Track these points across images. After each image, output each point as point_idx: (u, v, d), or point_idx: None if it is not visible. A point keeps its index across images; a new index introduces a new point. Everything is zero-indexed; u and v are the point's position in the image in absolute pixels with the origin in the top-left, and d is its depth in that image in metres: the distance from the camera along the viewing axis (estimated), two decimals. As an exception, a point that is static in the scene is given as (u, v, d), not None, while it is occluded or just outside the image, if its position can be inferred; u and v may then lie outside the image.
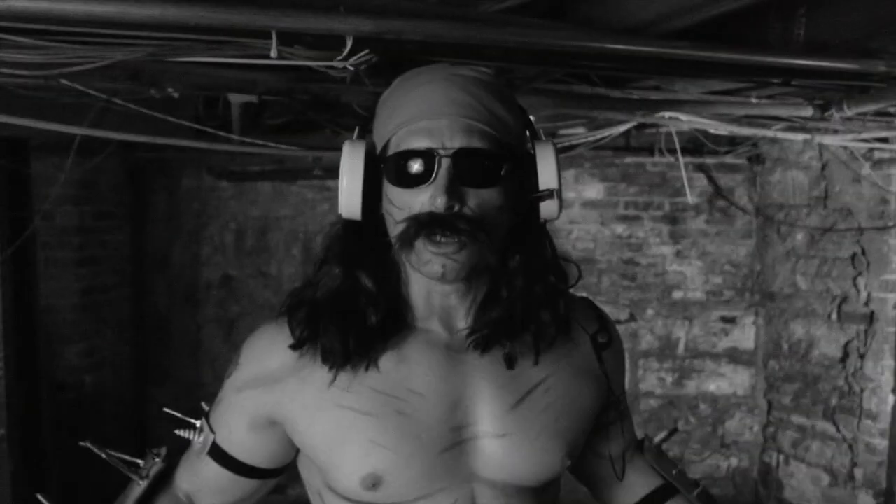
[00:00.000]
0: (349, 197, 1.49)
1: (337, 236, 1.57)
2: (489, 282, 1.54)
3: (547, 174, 1.50)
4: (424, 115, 1.42)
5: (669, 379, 6.11)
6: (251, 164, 5.95)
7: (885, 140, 4.60)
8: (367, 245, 1.52)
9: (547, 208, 1.52)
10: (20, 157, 4.80)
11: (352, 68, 2.65)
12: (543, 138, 1.55)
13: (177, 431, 1.74)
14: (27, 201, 4.86)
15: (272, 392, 1.55)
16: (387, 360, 1.51)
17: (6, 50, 2.51)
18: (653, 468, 1.85)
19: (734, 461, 6.17)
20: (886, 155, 4.83)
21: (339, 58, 2.54)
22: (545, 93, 3.63)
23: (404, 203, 1.43)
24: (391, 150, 1.45)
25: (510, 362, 1.54)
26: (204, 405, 1.74)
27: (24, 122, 3.31)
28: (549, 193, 1.50)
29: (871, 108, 3.66)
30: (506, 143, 1.46)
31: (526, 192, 1.50)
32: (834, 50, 2.92)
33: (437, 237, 1.40)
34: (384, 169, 1.46)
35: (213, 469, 1.67)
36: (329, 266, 1.55)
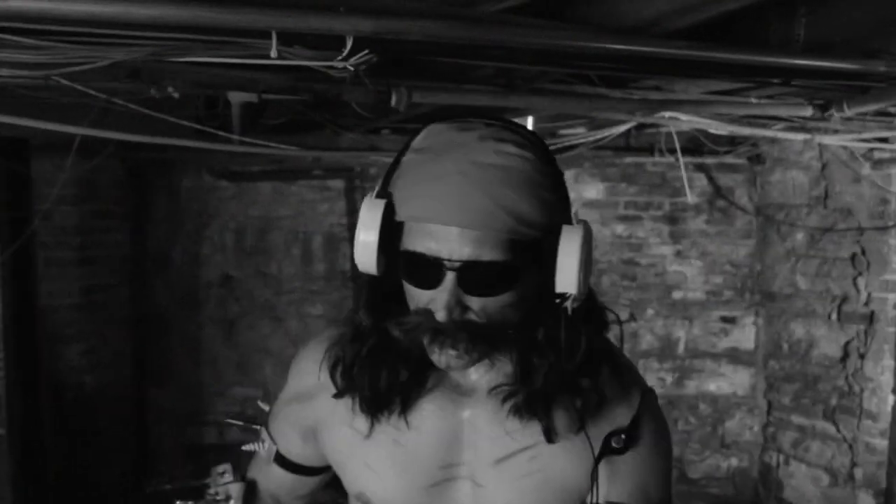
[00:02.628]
0: (365, 254, 1.42)
1: (363, 289, 1.55)
2: (517, 347, 1.48)
3: (566, 269, 1.38)
4: (437, 218, 1.35)
5: (669, 379, 6.11)
6: (251, 163, 5.95)
7: (885, 140, 4.60)
8: (389, 299, 1.50)
9: (566, 299, 1.43)
10: (20, 157, 4.80)
11: (352, 68, 2.65)
12: (574, 223, 1.41)
13: (244, 447, 1.87)
14: (27, 201, 4.87)
15: (310, 407, 1.70)
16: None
17: (6, 50, 2.51)
18: None
19: (734, 461, 6.17)
20: (886, 155, 4.83)
21: (340, 58, 2.54)
22: (545, 93, 3.63)
23: (414, 293, 1.42)
24: (404, 238, 1.40)
25: (547, 433, 1.50)
26: (261, 404, 1.92)
27: (25, 122, 3.31)
28: (567, 296, 1.42)
29: (871, 108, 3.66)
30: (525, 243, 1.37)
31: (550, 277, 1.40)
32: (834, 50, 2.92)
33: (439, 344, 1.40)
34: (399, 253, 1.41)
35: (282, 474, 1.84)
36: (360, 315, 1.54)
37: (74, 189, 5.27)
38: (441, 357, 1.41)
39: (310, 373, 1.67)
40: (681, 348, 6.09)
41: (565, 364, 1.46)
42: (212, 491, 1.88)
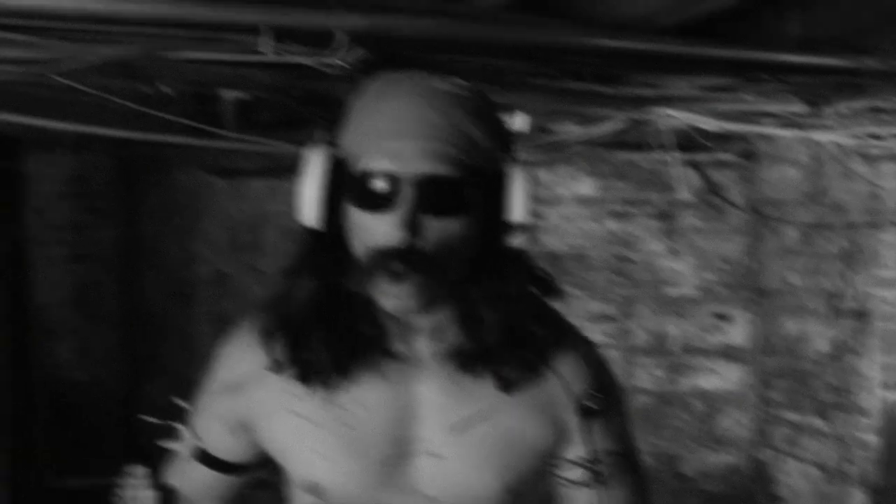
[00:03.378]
0: (308, 205, 1.41)
1: (300, 245, 1.50)
2: (457, 301, 1.48)
3: (516, 203, 1.40)
4: (391, 135, 1.35)
5: (662, 375, 6.12)
6: (244, 160, 5.94)
7: (877, 137, 4.60)
8: (329, 256, 1.46)
9: (513, 238, 1.43)
10: (13, 154, 4.80)
11: (345, 65, 2.65)
12: (519, 161, 1.43)
13: (163, 444, 1.77)
14: (20, 198, 4.86)
15: (241, 398, 1.59)
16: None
17: (-2, 46, 2.51)
18: None
19: (727, 457, 6.17)
20: (879, 151, 4.83)
21: (332, 54, 2.54)
22: (536, 89, 3.63)
23: (365, 226, 1.37)
24: (354, 167, 1.38)
25: (463, 377, 1.51)
26: (180, 402, 1.78)
27: (17, 118, 3.30)
28: (517, 227, 1.42)
29: (863, 104, 3.67)
30: (477, 168, 1.38)
31: (495, 215, 1.42)
32: (826, 46, 2.93)
33: (396, 272, 1.34)
34: (346, 186, 1.39)
35: (205, 473, 1.72)
36: (293, 278, 1.50)
37: (67, 186, 5.28)
38: (393, 298, 1.36)
39: (241, 360, 1.59)
40: (673, 345, 6.10)
41: (513, 313, 1.48)
42: (122, 498, 1.71)
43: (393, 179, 1.33)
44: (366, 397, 1.50)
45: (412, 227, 1.33)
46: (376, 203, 1.35)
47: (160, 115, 3.60)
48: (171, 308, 6.25)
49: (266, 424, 1.56)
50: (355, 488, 1.50)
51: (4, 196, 4.75)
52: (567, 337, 1.61)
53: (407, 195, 1.32)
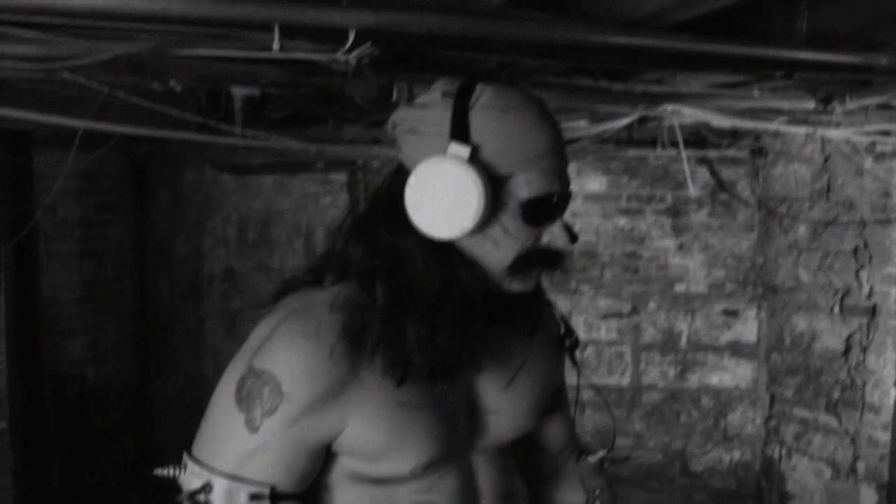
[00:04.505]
0: (464, 218, 1.47)
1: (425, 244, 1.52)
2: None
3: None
4: (548, 155, 1.53)
5: (672, 372, 6.12)
6: (253, 157, 5.96)
7: (887, 133, 4.60)
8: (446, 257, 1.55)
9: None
10: (23, 150, 4.81)
11: (354, 61, 2.65)
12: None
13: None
14: (30, 194, 4.87)
15: (333, 410, 1.48)
16: None
17: (8, 43, 2.51)
18: (581, 482, 1.99)
19: (736, 454, 6.17)
20: (889, 148, 4.82)
21: (342, 51, 2.54)
22: (547, 86, 3.63)
23: (526, 235, 1.55)
24: (524, 187, 1.52)
25: (532, 331, 1.74)
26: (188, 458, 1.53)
27: (27, 115, 3.31)
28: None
29: (873, 101, 3.66)
30: None
31: None
32: (836, 43, 2.92)
33: (553, 266, 1.61)
34: (509, 202, 1.52)
35: None
36: (424, 273, 1.51)
37: (77, 182, 5.28)
38: (528, 280, 1.60)
39: (324, 372, 1.45)
40: (683, 341, 6.10)
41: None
42: None
43: (562, 197, 1.58)
44: (444, 371, 1.56)
45: (570, 233, 1.58)
46: (544, 217, 1.56)
47: (171, 111, 3.61)
48: (180, 304, 6.27)
49: (371, 425, 1.49)
50: (449, 455, 1.60)
51: (14, 192, 4.76)
52: (546, 297, 1.86)
53: (561, 208, 1.58)
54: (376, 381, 1.49)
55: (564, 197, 1.58)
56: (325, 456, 1.54)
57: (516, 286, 1.59)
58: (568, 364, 1.88)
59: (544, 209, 1.54)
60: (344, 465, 1.56)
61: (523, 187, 1.51)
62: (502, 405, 1.69)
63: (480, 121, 1.49)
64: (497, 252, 1.54)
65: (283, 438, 1.46)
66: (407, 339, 1.48)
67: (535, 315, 1.76)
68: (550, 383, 1.84)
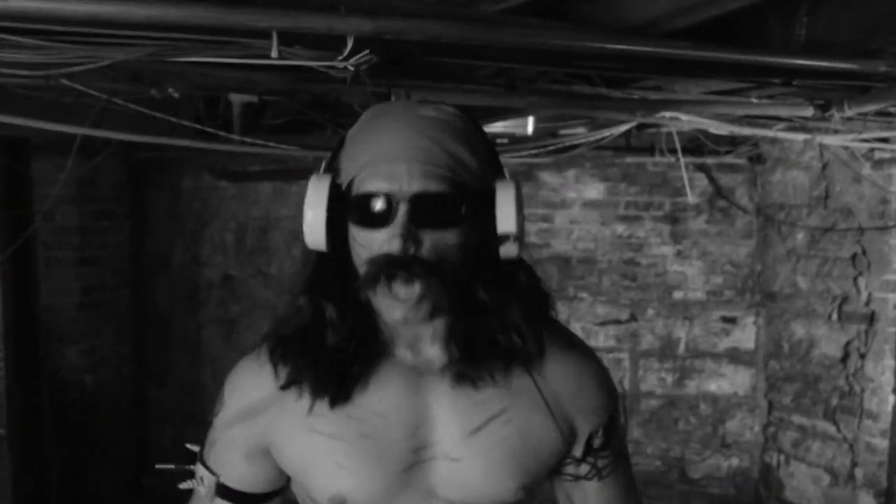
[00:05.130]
0: (313, 229, 1.51)
1: (307, 268, 1.61)
2: (457, 311, 1.56)
3: (505, 215, 1.51)
4: (385, 159, 1.46)
5: (670, 379, 6.12)
6: (252, 164, 5.96)
7: (885, 140, 4.60)
8: (335, 276, 1.56)
9: (505, 249, 1.54)
10: (21, 157, 4.81)
11: (352, 68, 2.65)
12: (507, 177, 1.57)
13: (181, 486, 1.74)
14: (28, 201, 4.87)
15: (257, 423, 1.61)
16: (357, 385, 1.56)
17: (7, 50, 2.51)
18: None
19: (735, 461, 6.17)
20: (887, 155, 4.83)
21: (340, 58, 2.54)
22: (546, 93, 3.63)
23: (366, 241, 1.48)
24: (354, 190, 1.49)
25: (475, 383, 1.57)
26: (190, 446, 1.76)
27: (25, 122, 3.31)
28: (507, 237, 1.52)
29: (871, 108, 3.66)
30: (466, 185, 1.49)
31: (489, 230, 1.52)
32: (835, 50, 2.92)
33: (397, 281, 1.44)
34: (348, 208, 1.50)
35: None
36: (297, 298, 1.60)
37: (75, 189, 5.28)
38: (398, 308, 1.47)
39: (252, 387, 1.63)
40: (681, 348, 6.10)
41: (506, 322, 1.57)
42: None
43: (389, 198, 1.45)
44: (381, 408, 1.55)
45: (408, 236, 1.43)
46: (376, 220, 1.46)
47: (169, 118, 3.61)
48: (178, 311, 6.27)
49: (286, 445, 1.60)
50: (379, 496, 1.55)
51: (13, 198, 4.76)
52: (569, 343, 1.70)
53: (402, 211, 1.44)
54: (292, 404, 1.57)
55: (399, 200, 1.44)
56: (268, 465, 1.65)
57: (384, 308, 1.48)
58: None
59: (371, 210, 1.46)
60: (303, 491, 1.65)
61: (356, 187, 1.49)
62: (464, 455, 1.55)
63: (348, 136, 1.56)
64: (359, 264, 1.51)
65: (222, 436, 1.67)
66: (305, 365, 1.57)
67: (526, 363, 1.59)
68: (548, 448, 1.62)
